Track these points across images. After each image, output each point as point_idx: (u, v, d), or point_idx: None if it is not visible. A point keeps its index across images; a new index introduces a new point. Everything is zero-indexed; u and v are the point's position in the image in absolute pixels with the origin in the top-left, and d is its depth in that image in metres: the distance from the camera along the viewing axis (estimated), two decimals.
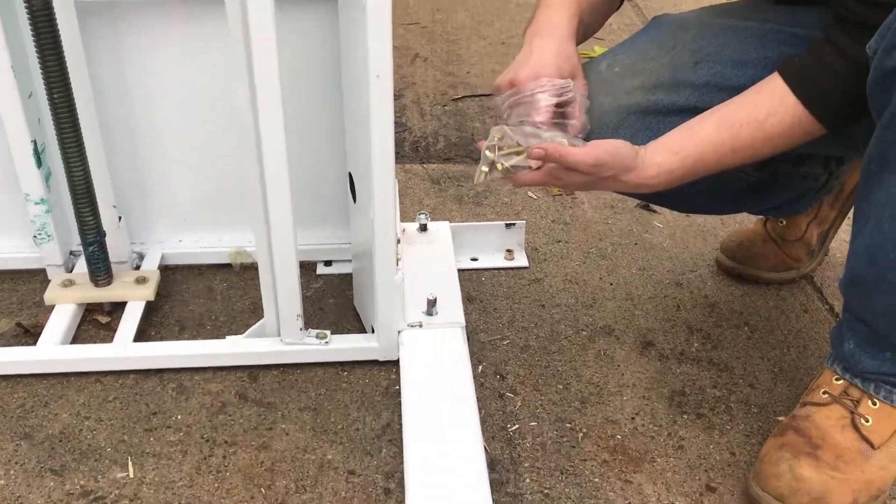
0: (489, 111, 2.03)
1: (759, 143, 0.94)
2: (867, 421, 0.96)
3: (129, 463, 1.02)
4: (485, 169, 0.97)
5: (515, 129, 0.94)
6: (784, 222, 1.37)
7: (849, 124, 0.92)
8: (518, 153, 0.94)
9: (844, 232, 1.52)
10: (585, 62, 1.11)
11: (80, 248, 1.26)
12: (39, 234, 1.27)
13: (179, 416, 1.10)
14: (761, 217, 1.41)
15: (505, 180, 0.97)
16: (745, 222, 1.53)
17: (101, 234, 1.22)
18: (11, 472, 1.01)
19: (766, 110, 0.92)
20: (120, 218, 1.30)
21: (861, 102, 0.88)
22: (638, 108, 1.04)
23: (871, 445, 0.96)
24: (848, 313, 0.98)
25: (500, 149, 0.95)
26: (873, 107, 0.87)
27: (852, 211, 0.97)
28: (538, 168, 0.94)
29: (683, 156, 0.94)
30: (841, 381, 0.99)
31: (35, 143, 1.21)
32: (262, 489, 0.99)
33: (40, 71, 1.08)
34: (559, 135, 0.94)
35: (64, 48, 1.08)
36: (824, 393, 1.00)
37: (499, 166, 0.95)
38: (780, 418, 1.08)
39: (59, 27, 1.07)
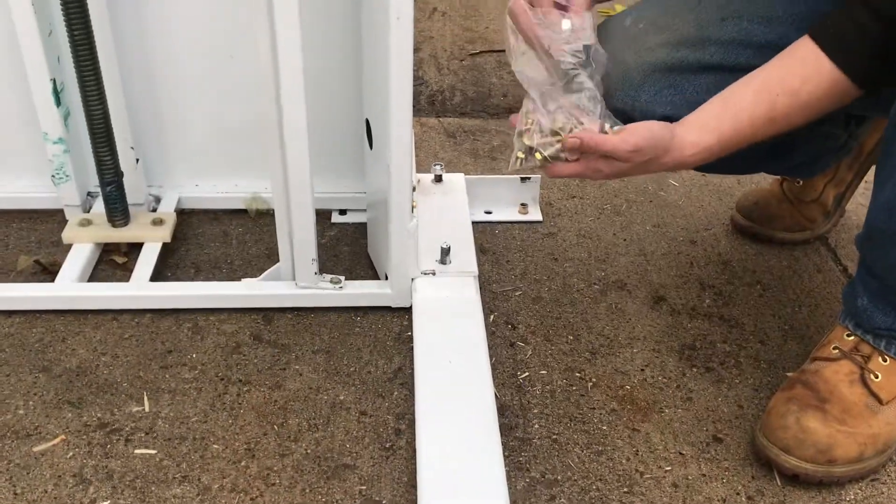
0: (507, 67, 2.01)
1: (797, 112, 0.91)
2: (876, 377, 0.97)
3: (145, 398, 1.04)
4: (521, 155, 0.93)
5: (549, 98, 0.90)
6: (801, 183, 1.36)
7: (886, 85, 0.91)
8: (557, 139, 0.91)
9: (861, 195, 1.52)
10: (607, 18, 1.09)
11: (98, 189, 1.27)
12: (58, 173, 1.28)
13: (194, 355, 1.11)
14: (778, 177, 1.41)
15: (542, 169, 0.93)
16: (762, 182, 1.52)
17: (118, 175, 1.23)
18: (31, 402, 1.03)
19: (802, 77, 0.90)
20: (137, 160, 1.31)
21: None
22: (663, 66, 1.03)
23: (879, 401, 0.96)
24: (863, 269, 0.98)
25: (532, 130, 0.91)
26: None
27: (871, 171, 0.96)
28: (576, 159, 0.91)
29: (720, 132, 0.92)
30: (852, 337, 1.00)
31: (54, 81, 1.21)
32: (275, 426, 1.01)
33: (60, 9, 1.09)
34: (588, 107, 0.91)
35: None
36: (835, 348, 1.00)
37: (537, 155, 0.92)
38: (789, 374, 1.08)
39: None
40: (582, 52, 0.94)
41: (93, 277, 1.25)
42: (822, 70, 0.90)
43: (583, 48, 0.94)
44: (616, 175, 0.95)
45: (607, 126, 0.91)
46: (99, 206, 1.31)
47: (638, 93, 1.02)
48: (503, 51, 2.09)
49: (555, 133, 0.91)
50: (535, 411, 1.05)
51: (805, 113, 0.92)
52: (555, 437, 1.02)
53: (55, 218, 1.36)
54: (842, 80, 0.90)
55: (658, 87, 1.03)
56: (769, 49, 0.98)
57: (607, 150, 0.89)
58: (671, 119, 1.04)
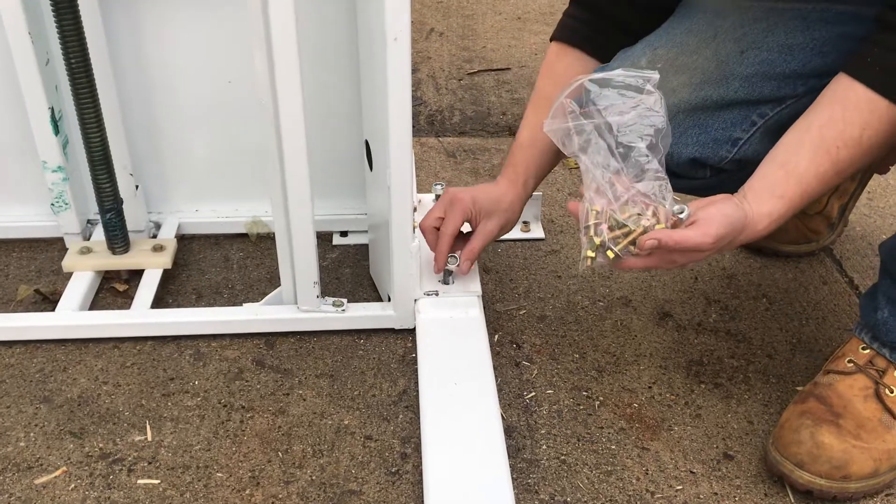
0: (505, 86, 2.02)
1: (860, 158, 0.89)
2: (891, 391, 0.96)
3: (147, 426, 1.03)
4: (591, 254, 0.88)
5: (614, 184, 0.86)
6: None
7: None
8: (624, 231, 0.87)
9: (864, 205, 1.51)
10: (622, 53, 1.08)
11: (98, 217, 1.26)
12: (57, 202, 1.28)
13: (197, 382, 1.10)
14: None
15: (612, 265, 0.89)
16: None
17: (118, 202, 1.22)
18: (31, 434, 1.02)
19: (860, 124, 0.87)
20: (137, 186, 1.31)
21: None
22: (686, 106, 1.01)
23: (894, 416, 0.95)
24: (887, 280, 0.97)
25: (600, 224, 0.87)
26: None
27: (872, 181, 0.95)
28: (648, 254, 0.88)
29: (790, 197, 0.89)
30: (868, 350, 0.98)
31: (52, 110, 1.21)
32: (280, 453, 1.00)
33: (58, 37, 1.08)
34: (658, 196, 0.86)
35: (81, 14, 1.08)
36: (849, 361, 0.99)
37: (609, 253, 0.87)
38: (799, 388, 1.07)
39: None
40: (652, 136, 0.89)
41: (93, 305, 1.24)
42: (879, 112, 0.87)
43: (653, 132, 0.89)
44: (691, 262, 0.92)
45: (675, 209, 0.87)
46: (99, 234, 1.30)
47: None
48: (501, 69, 2.10)
49: (624, 225, 0.87)
50: (543, 432, 1.04)
51: (871, 156, 0.90)
52: (563, 457, 1.00)
53: (55, 246, 1.36)
54: None
55: (683, 127, 1.02)
56: (793, 78, 0.97)
57: (689, 246, 0.86)
58: (698, 161, 1.03)
